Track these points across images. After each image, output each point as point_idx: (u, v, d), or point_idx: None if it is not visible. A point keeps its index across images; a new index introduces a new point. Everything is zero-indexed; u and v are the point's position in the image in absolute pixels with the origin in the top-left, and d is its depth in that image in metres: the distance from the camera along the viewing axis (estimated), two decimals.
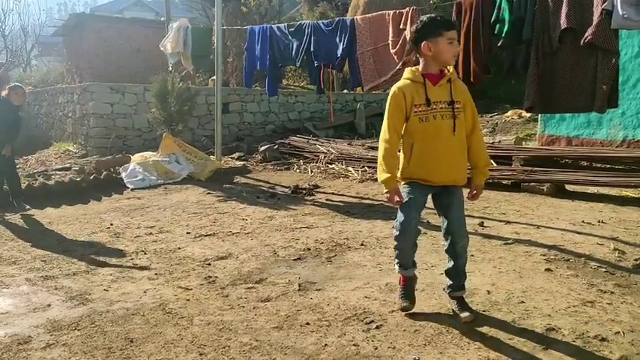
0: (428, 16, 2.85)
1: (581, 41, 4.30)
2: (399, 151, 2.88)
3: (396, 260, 2.99)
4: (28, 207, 5.87)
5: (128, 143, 10.21)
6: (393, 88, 2.82)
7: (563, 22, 4.42)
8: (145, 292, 3.36)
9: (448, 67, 2.82)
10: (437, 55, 2.75)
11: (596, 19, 4.23)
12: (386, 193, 2.80)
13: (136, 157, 7.97)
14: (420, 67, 2.84)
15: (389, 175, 2.77)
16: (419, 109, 2.76)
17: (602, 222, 4.82)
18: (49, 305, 3.18)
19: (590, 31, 4.23)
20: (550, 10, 4.54)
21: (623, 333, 2.64)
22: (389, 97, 2.81)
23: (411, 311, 2.91)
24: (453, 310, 2.90)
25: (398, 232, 2.87)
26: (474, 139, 2.89)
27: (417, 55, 2.88)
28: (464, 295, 2.93)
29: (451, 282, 2.94)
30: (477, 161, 2.91)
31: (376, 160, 8.28)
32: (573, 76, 4.49)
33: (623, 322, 2.76)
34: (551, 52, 4.57)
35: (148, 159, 7.81)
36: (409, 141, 2.81)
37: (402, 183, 2.89)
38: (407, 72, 2.86)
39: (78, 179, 7.09)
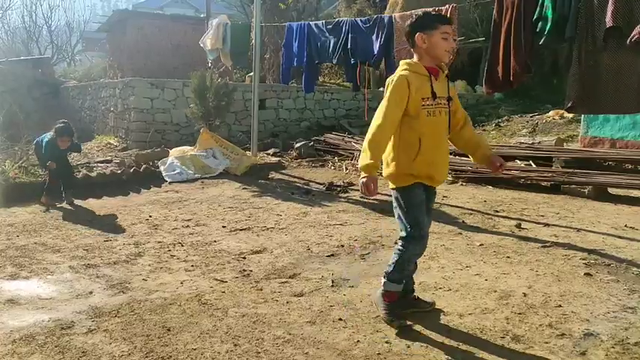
0: (424, 10, 2.83)
1: (628, 40, 4.16)
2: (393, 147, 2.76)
3: (395, 274, 2.79)
4: (73, 200, 6.04)
5: (167, 137, 10.42)
6: (397, 76, 2.69)
7: (608, 21, 4.29)
8: (181, 283, 3.45)
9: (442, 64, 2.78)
10: (430, 49, 2.69)
11: None
12: (364, 178, 2.58)
13: (174, 152, 8.13)
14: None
15: (372, 161, 2.59)
16: (426, 103, 2.68)
17: None
18: (90, 292, 3.29)
19: (637, 29, 4.08)
20: (595, 8, 4.41)
21: None
22: (392, 84, 2.68)
23: (407, 325, 2.74)
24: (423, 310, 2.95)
25: (413, 240, 2.72)
26: (469, 129, 2.91)
27: (412, 50, 2.79)
28: None
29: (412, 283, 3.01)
30: (480, 140, 2.96)
31: None
32: (618, 76, 4.35)
33: None
34: (594, 51, 4.44)
35: (186, 153, 7.96)
36: (415, 135, 2.68)
37: (407, 184, 2.72)
38: (407, 64, 2.74)
39: (119, 172, 7.29)
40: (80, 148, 6.65)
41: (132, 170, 7.41)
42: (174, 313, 2.97)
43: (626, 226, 4.72)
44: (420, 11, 2.81)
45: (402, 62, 2.79)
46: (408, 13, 6.32)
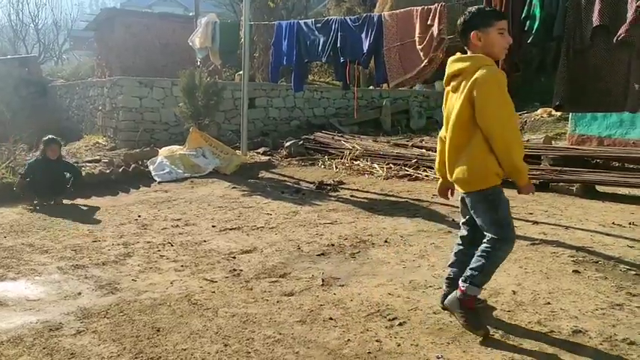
0: (476, 6, 2.68)
1: (614, 39, 4.20)
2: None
3: (481, 277, 2.64)
4: (62, 200, 5.99)
5: (156, 137, 10.36)
6: (496, 73, 2.51)
7: (595, 19, 4.32)
8: (171, 283, 3.43)
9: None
10: (487, 47, 2.57)
11: (630, 15, 4.12)
12: (527, 185, 2.61)
13: (164, 151, 8.09)
14: None
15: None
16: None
17: (634, 224, 4.71)
18: (79, 293, 3.26)
19: (623, 28, 4.12)
20: (582, 7, 4.44)
21: None
22: (493, 82, 2.49)
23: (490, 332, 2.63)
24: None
25: (509, 241, 2.63)
26: None
27: (466, 48, 2.65)
28: None
29: None
30: None
31: (402, 157, 8.17)
32: (605, 74, 4.39)
33: None
34: (582, 50, 4.47)
35: (175, 152, 7.92)
36: None
37: (496, 184, 2.61)
38: (481, 58, 2.56)
39: (107, 171, 7.24)
40: (79, 173, 6.45)
41: (121, 170, 7.37)
42: (164, 313, 2.96)
43: (613, 223, 4.76)
44: (473, 8, 2.65)
45: (471, 56, 2.61)
46: (397, 11, 6.33)
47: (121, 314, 2.94)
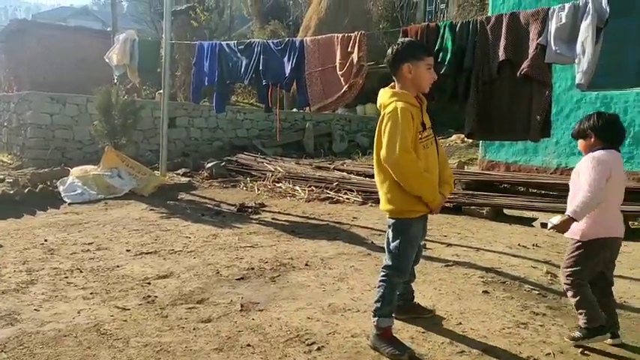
0: (407, 38, 2.80)
1: (518, 73, 4.52)
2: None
3: (385, 308, 2.76)
4: None
5: (68, 155, 9.84)
6: (400, 108, 2.59)
7: (501, 54, 4.64)
8: (78, 313, 3.23)
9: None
10: (416, 79, 2.68)
11: (531, 52, 4.47)
12: (437, 207, 2.74)
13: (76, 171, 7.68)
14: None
15: (434, 187, 2.69)
16: (422, 135, 2.65)
17: (537, 245, 5.03)
18: None
19: (525, 63, 4.46)
20: (489, 42, 4.76)
21: (554, 354, 2.75)
22: (398, 116, 2.57)
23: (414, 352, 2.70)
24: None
25: (398, 274, 2.78)
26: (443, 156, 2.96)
27: (394, 78, 2.75)
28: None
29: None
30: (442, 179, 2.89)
31: (323, 180, 8.25)
32: (510, 105, 4.71)
33: (554, 343, 2.88)
34: (490, 82, 4.78)
35: (89, 173, 7.55)
36: None
37: (406, 217, 2.73)
38: (397, 95, 2.67)
39: (11, 192, 6.75)
40: None
41: (26, 190, 6.90)
42: (69, 345, 2.77)
43: (519, 245, 5.06)
44: (405, 39, 2.79)
45: (388, 91, 2.72)
46: (318, 37, 6.46)
47: (21, 347, 2.72)
